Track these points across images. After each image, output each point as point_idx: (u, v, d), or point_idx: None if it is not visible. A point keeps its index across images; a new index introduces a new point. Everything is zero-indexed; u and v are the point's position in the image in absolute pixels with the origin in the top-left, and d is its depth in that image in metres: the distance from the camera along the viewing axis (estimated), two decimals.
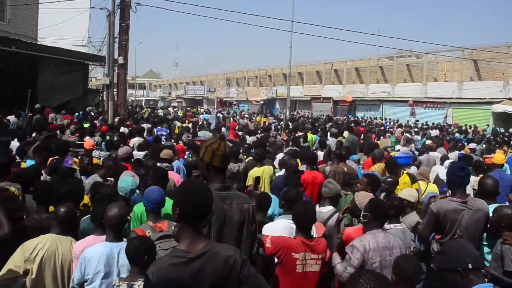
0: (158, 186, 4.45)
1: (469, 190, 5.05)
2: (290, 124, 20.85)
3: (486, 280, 3.02)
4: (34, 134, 10.92)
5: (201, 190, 2.53)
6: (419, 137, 18.67)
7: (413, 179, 7.09)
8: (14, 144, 9.16)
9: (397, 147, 13.55)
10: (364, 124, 25.66)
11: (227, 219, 3.08)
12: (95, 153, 8.43)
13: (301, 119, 29.15)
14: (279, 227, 4.24)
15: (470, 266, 2.65)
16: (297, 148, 9.70)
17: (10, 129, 11.46)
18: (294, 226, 4.19)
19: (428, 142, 13.65)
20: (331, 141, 12.11)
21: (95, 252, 3.62)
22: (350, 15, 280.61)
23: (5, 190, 4.50)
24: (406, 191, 5.68)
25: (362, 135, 16.25)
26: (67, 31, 26.76)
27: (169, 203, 4.48)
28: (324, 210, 5.18)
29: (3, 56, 18.77)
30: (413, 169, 8.40)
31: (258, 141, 10.55)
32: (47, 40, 24.32)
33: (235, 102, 53.47)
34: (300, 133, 13.67)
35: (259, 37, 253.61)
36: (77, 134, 10.59)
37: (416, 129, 23.75)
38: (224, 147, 3.19)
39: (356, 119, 29.45)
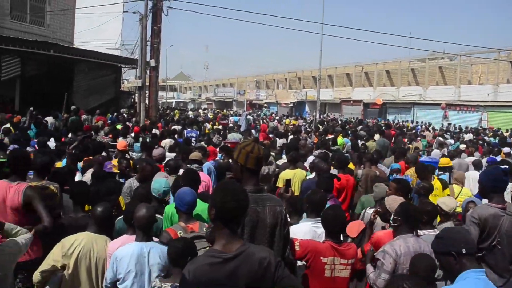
0: (190, 187, 4.50)
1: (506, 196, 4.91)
2: (320, 126, 20.74)
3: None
4: (70, 135, 11.22)
5: (236, 191, 2.56)
6: (452, 141, 18.27)
7: (445, 185, 6.94)
8: (51, 144, 9.46)
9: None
10: (397, 127, 25.25)
11: (260, 222, 3.08)
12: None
13: (331, 122, 28.94)
14: (303, 230, 4.22)
15: (463, 251, 2.75)
16: (327, 151, 9.65)
17: (48, 130, 11.81)
18: (317, 230, 4.18)
19: (462, 146, 13.35)
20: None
21: (126, 252, 3.69)
22: (381, 16, 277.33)
23: (45, 188, 4.64)
24: (444, 199, 5.43)
25: (393, 138, 16.02)
26: (101, 35, 27.38)
27: (200, 205, 4.55)
28: (371, 211, 5.11)
29: (43, 60, 19.42)
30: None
31: (290, 143, 10.53)
32: (82, 44, 24.94)
33: (265, 105, 53.52)
34: (330, 136, 13.59)
35: (289, 39, 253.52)
36: (111, 136, 10.83)
37: (448, 133, 23.25)
38: (258, 149, 3.19)
39: (387, 122, 29.03)
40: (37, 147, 8.51)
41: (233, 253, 2.45)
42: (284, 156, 9.35)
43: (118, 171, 6.40)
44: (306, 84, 55.13)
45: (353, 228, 4.72)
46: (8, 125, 11.80)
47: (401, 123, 32.37)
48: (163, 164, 7.21)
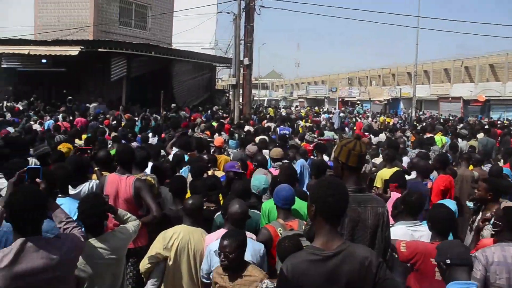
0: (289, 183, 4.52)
1: None
2: (417, 124, 19.82)
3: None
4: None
5: (337, 187, 2.51)
6: None
7: None
8: (153, 140, 10.04)
9: None
10: (503, 125, 23.34)
11: (361, 222, 3.01)
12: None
13: (429, 120, 27.54)
14: (398, 233, 3.97)
15: (448, 261, 2.99)
16: (426, 151, 9.19)
17: (152, 127, 12.56)
18: (415, 233, 3.97)
19: None
20: (462, 144, 11.37)
21: (216, 245, 3.72)
22: (482, 6, 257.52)
23: (144, 179, 4.93)
24: None
25: (499, 138, 14.83)
26: (196, 35, 28.50)
27: (298, 202, 4.55)
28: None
29: (145, 61, 20.74)
30: None
31: (390, 141, 10.17)
32: (180, 45, 26.20)
33: (357, 102, 52.36)
34: (429, 135, 12.93)
35: (382, 34, 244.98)
36: (208, 132, 11.22)
37: None
38: (360, 147, 3.11)
39: (491, 120, 26.99)
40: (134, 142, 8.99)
41: (333, 251, 2.41)
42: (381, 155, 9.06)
43: (243, 172, 6.21)
44: (401, 80, 53.00)
45: None
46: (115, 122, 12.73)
47: (507, 122, 29.90)
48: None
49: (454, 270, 2.94)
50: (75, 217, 3.44)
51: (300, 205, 4.61)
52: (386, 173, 6.94)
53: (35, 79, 21.33)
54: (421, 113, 39.61)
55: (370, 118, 28.38)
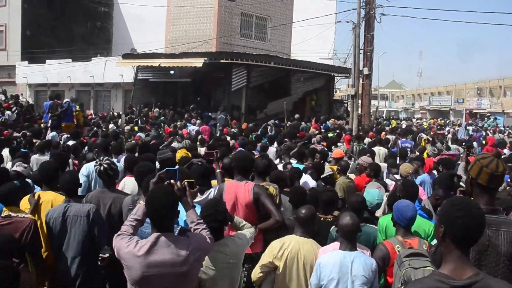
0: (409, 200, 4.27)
1: None
2: None
3: None
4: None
5: (469, 206, 2.25)
6: None
7: None
8: (271, 149, 10.18)
9: None
10: None
11: (491, 247, 2.69)
12: None
13: None
14: None
15: None
16: None
17: (269, 135, 12.82)
18: None
19: None
20: None
21: (329, 259, 3.70)
22: None
23: (265, 189, 4.98)
24: None
25: None
26: (315, 45, 28.57)
27: (418, 220, 4.25)
28: None
29: (264, 71, 21.40)
30: None
31: None
32: (298, 55, 26.50)
33: (488, 114, 48.26)
34: None
35: None
36: (324, 144, 11.10)
37: None
38: (495, 166, 2.80)
39: None
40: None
41: (463, 281, 2.14)
42: None
43: None
44: None
45: None
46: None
47: None
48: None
49: None
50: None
51: (420, 222, 4.34)
52: None
53: (163, 88, 23.07)
54: None
55: (503, 133, 25.86)
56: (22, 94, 24.22)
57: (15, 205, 4.33)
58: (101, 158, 5.06)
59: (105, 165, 4.80)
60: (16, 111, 16.86)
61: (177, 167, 3.90)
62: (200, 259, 3.16)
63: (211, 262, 3.49)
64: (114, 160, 6.09)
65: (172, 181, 3.26)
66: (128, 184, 5.48)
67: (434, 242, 3.96)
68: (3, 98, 20.03)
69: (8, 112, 16.28)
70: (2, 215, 4.16)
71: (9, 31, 29.90)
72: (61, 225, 4.16)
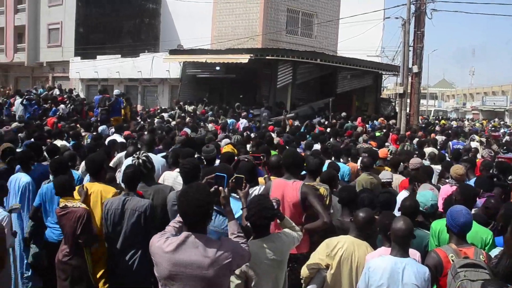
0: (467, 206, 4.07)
1: None
2: None
3: None
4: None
5: None
6: None
7: None
8: (317, 146, 10.03)
9: None
10: None
11: None
12: None
13: None
14: None
15: None
16: None
17: (313, 133, 12.68)
18: None
19: None
20: None
21: (379, 264, 3.58)
22: None
23: (316, 189, 4.92)
24: None
25: None
26: (362, 42, 28.04)
27: (475, 227, 4.04)
28: None
29: (310, 68, 21.27)
30: None
31: None
32: (345, 52, 26.08)
33: None
34: None
35: None
36: (371, 143, 10.85)
37: None
38: None
39: None
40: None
41: None
42: None
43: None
44: None
45: None
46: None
47: None
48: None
49: None
50: (236, 216, 3.56)
51: (477, 229, 4.12)
52: None
53: (209, 85, 23.29)
54: None
55: None
56: (74, 89, 25.10)
57: (71, 196, 4.62)
58: (139, 152, 5.15)
59: (142, 159, 4.89)
60: (70, 105, 17.47)
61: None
62: (230, 266, 3.00)
63: (257, 258, 3.45)
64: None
65: (220, 188, 3.26)
66: (168, 178, 5.56)
67: (493, 252, 3.76)
68: (58, 93, 20.80)
69: (62, 106, 16.87)
70: (60, 206, 4.49)
71: (64, 28, 31.16)
72: (119, 217, 4.38)
